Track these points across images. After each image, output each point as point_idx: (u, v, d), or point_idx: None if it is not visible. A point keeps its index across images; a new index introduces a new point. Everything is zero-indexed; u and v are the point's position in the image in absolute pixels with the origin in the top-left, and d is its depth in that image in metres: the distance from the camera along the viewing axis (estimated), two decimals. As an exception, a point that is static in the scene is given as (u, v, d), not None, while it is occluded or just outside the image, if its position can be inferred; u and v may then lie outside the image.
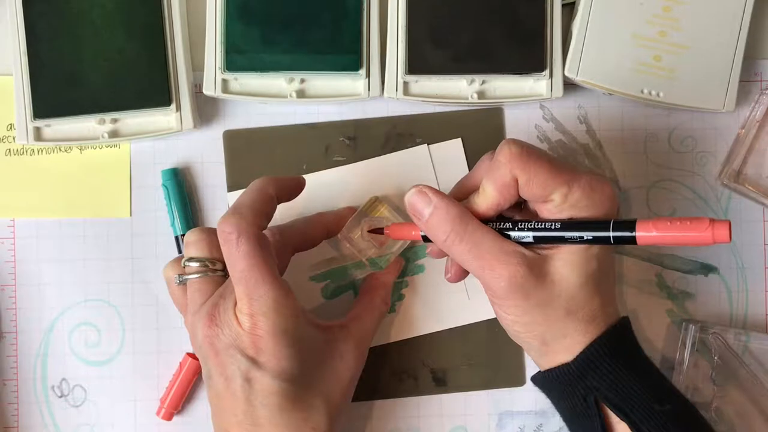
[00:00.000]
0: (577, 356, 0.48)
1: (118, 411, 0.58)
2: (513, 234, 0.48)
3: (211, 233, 0.51)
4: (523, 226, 0.48)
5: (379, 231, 0.54)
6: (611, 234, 0.46)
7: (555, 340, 0.48)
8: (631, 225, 0.45)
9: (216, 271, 0.51)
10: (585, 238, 0.46)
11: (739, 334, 0.57)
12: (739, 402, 0.57)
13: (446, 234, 0.48)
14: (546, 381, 0.50)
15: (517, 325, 0.49)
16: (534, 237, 0.47)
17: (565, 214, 0.47)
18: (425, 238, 0.51)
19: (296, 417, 0.48)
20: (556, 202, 0.47)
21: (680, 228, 0.44)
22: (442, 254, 0.53)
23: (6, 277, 0.58)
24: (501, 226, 0.48)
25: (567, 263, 0.47)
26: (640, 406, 0.47)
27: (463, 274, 0.53)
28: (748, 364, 0.56)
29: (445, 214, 0.48)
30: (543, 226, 0.47)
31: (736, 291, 0.58)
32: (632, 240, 0.45)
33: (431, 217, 0.48)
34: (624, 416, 0.47)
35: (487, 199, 0.48)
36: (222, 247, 0.47)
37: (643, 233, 0.45)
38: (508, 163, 0.47)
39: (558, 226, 0.47)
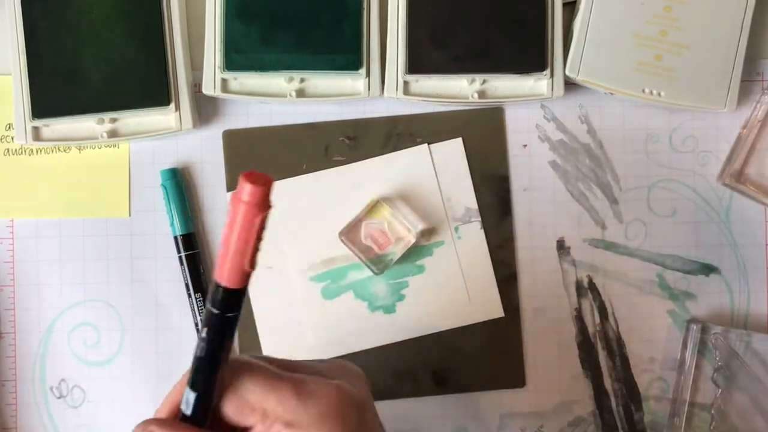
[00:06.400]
0: None
1: (117, 412, 0.57)
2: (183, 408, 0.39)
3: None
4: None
5: None
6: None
7: None
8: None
9: None
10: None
11: (740, 335, 0.57)
12: (741, 402, 0.56)
13: None
14: None
15: None
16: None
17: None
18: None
19: None
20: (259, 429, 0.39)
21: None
22: None
23: (5, 278, 0.58)
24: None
25: None
26: None
27: None
28: (750, 365, 0.56)
29: None
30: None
31: (737, 291, 0.58)
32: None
33: None
34: None
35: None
36: None
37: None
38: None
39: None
